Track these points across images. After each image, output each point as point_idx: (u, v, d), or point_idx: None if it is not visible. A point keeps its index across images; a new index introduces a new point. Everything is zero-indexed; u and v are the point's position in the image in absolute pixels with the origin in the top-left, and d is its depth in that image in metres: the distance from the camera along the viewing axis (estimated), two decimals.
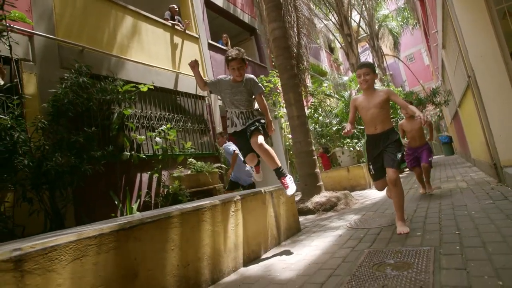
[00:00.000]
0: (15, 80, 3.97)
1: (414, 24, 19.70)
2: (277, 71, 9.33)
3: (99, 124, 4.89)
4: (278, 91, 8.96)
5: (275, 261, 2.44)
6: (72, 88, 4.13)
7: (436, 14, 6.85)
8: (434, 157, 18.71)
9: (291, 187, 2.73)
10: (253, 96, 2.89)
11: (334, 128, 8.27)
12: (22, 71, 4.33)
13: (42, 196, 3.73)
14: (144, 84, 5.41)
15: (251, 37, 11.16)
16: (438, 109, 16.13)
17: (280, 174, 2.77)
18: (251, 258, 2.57)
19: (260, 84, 2.88)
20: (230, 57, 2.74)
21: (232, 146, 5.67)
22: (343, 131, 2.76)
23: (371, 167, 2.85)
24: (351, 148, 7.91)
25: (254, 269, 2.34)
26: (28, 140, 3.54)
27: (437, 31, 7.38)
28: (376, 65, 17.86)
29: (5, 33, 3.63)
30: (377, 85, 14.15)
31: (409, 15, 19.62)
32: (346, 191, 5.47)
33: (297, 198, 5.32)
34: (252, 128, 2.73)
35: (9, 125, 3.43)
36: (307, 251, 2.54)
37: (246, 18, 10.54)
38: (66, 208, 3.99)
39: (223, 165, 6.90)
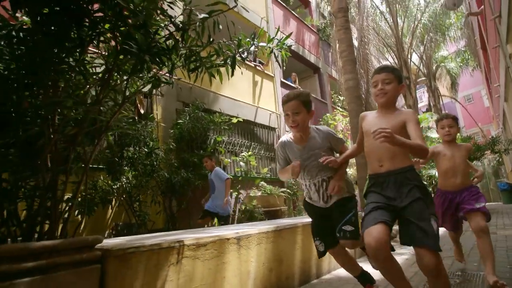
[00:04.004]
0: (156, 112, 5.33)
1: (475, 66, 19.57)
2: (340, 109, 10.25)
3: (199, 147, 6.11)
4: (340, 129, 9.85)
5: None
6: (191, 119, 5.39)
7: (499, 71, 7.36)
8: (491, 203, 17.92)
9: None
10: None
11: None
12: (153, 103, 5.71)
13: (165, 201, 4.93)
14: (236, 117, 6.62)
15: (314, 75, 12.26)
16: (497, 154, 15.76)
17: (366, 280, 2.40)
18: (337, 266, 3.40)
19: (338, 136, 2.19)
20: (283, 98, 2.05)
21: (223, 172, 5.10)
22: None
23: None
24: None
25: (343, 272, 3.16)
26: (164, 158, 4.78)
27: (500, 85, 7.82)
28: (432, 105, 17.98)
29: None
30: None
31: (469, 57, 19.55)
32: None
33: None
34: (348, 232, 2.01)
35: (152, 146, 4.71)
36: None
37: (312, 58, 11.70)
38: (179, 213, 5.15)
39: (287, 190, 7.82)
